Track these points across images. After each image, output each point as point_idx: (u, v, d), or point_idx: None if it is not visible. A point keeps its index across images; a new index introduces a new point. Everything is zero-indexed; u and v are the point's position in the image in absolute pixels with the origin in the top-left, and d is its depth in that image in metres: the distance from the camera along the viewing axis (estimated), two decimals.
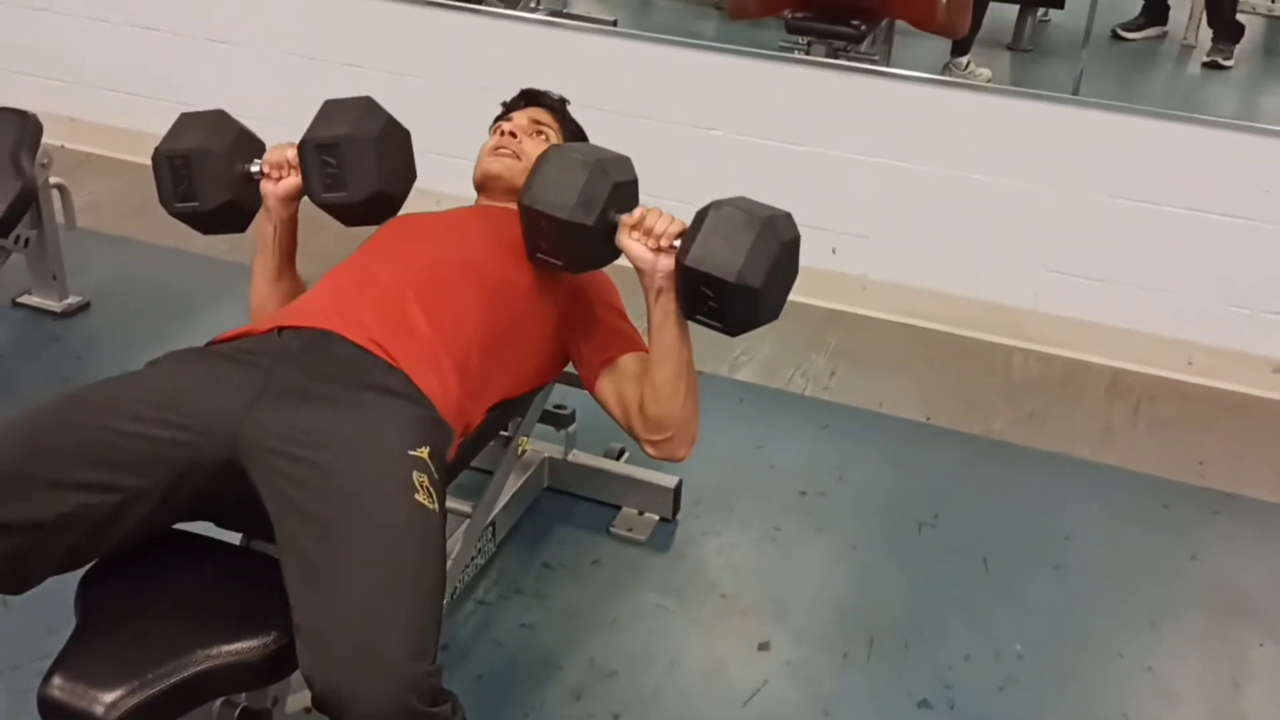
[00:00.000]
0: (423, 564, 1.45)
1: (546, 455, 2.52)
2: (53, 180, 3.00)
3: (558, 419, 2.46)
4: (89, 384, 1.65)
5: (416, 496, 1.49)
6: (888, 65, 4.16)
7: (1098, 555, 2.50)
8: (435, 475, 1.55)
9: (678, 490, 2.50)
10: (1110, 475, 2.78)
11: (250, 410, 1.57)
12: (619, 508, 2.51)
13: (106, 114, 4.06)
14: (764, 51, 3.53)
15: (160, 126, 4.15)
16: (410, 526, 1.47)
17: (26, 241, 2.97)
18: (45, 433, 1.52)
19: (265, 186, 2.05)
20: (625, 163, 1.91)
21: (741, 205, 1.82)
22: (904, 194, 3.35)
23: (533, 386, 2.09)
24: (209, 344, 1.79)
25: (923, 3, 4.01)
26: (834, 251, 3.43)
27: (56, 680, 1.39)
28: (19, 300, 3.12)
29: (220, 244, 3.52)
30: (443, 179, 3.29)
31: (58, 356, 2.96)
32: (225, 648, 1.47)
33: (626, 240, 1.86)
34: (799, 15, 3.94)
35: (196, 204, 2.05)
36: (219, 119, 2.09)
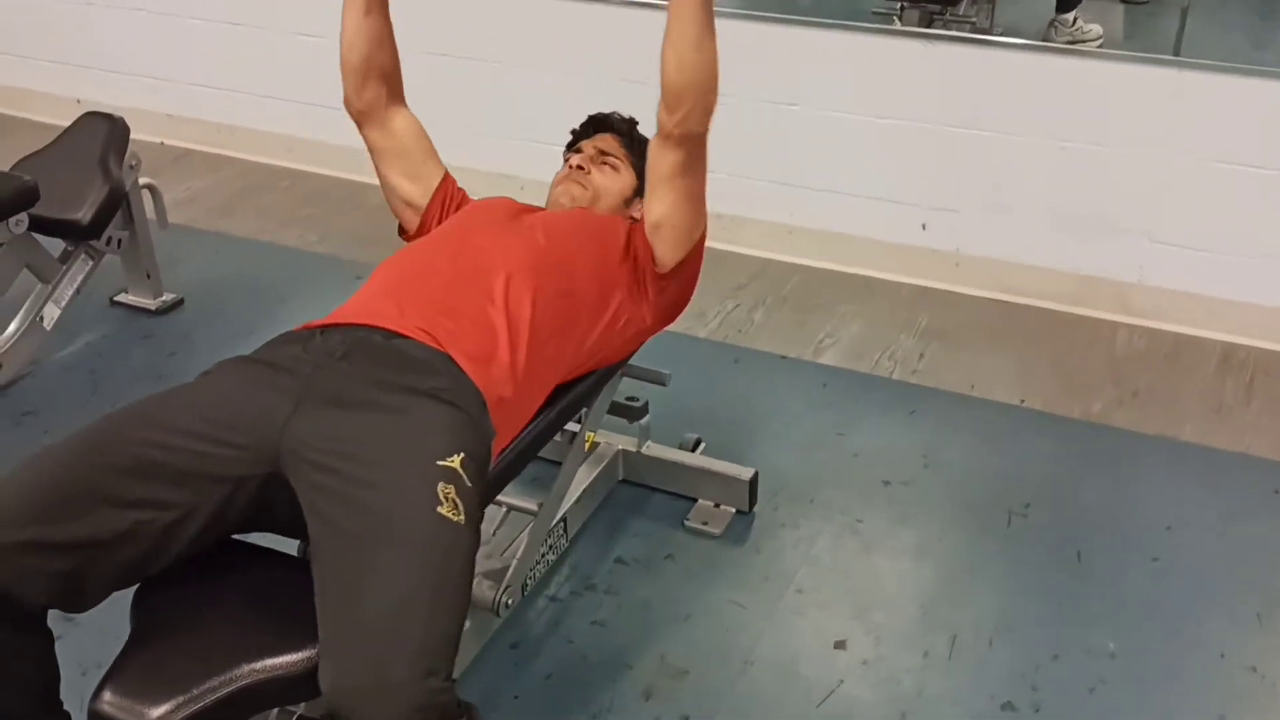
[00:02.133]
0: (441, 580, 1.43)
1: (620, 448, 2.49)
2: (142, 181, 3.06)
3: (630, 411, 2.42)
4: (140, 400, 1.66)
5: (440, 509, 1.47)
6: (991, 24, 4.02)
7: (1201, 546, 2.37)
8: (467, 483, 1.53)
9: (754, 481, 2.44)
10: (1218, 459, 2.64)
11: (290, 421, 1.57)
12: (694, 500, 2.47)
13: (200, 109, 4.15)
14: (851, 23, 3.42)
15: (252, 120, 4.26)
16: (432, 541, 1.45)
17: (119, 242, 3.05)
18: (97, 451, 1.53)
19: None
20: None
21: None
22: (998, 165, 3.22)
23: (596, 368, 2.06)
24: (301, 328, 1.80)
25: None
26: (924, 227, 3.32)
27: (106, 695, 1.41)
28: (116, 299, 3.21)
29: (309, 235, 3.63)
30: (527, 163, 3.29)
31: (152, 353, 3.04)
32: (274, 660, 1.47)
33: None
34: None
35: None
36: None
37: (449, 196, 2.17)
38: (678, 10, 1.85)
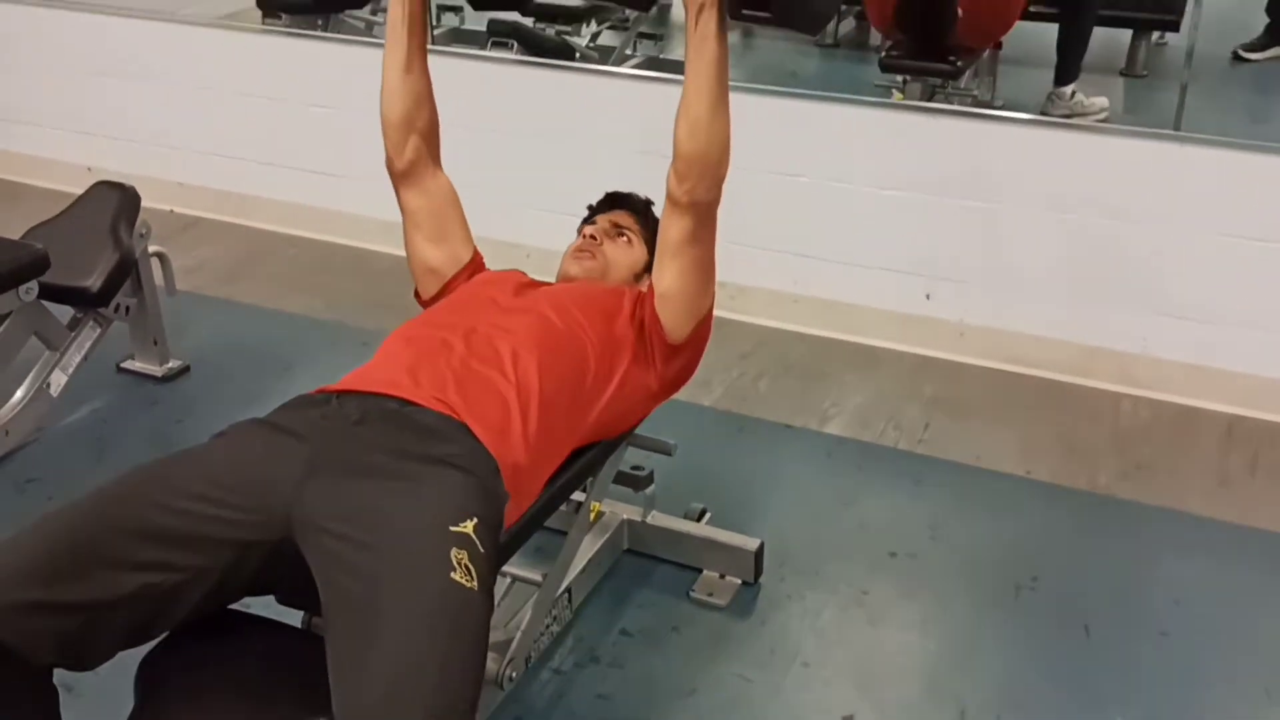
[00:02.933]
0: (454, 647, 1.42)
1: (625, 517, 2.48)
2: (152, 249, 3.09)
3: (635, 481, 2.42)
4: (151, 461, 1.66)
5: (453, 575, 1.46)
6: (992, 97, 4.07)
7: (1209, 620, 2.35)
8: (480, 549, 1.53)
9: (760, 552, 2.43)
10: (1225, 532, 2.62)
11: (301, 487, 1.57)
12: (700, 570, 2.46)
13: (210, 178, 4.20)
14: (855, 97, 3.47)
15: (260, 189, 4.30)
16: (445, 608, 1.45)
17: (128, 309, 3.06)
18: (106, 513, 1.54)
19: None
20: None
21: None
22: (1001, 236, 3.24)
23: (605, 436, 2.07)
24: (315, 392, 1.81)
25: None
26: (928, 297, 3.34)
27: None
28: (122, 365, 3.22)
29: (315, 302, 3.64)
30: (534, 233, 3.33)
31: (158, 420, 3.04)
32: None
33: None
34: (893, 52, 3.87)
35: None
36: None
37: (475, 274, 2.20)
38: (693, 81, 1.87)
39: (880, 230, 3.37)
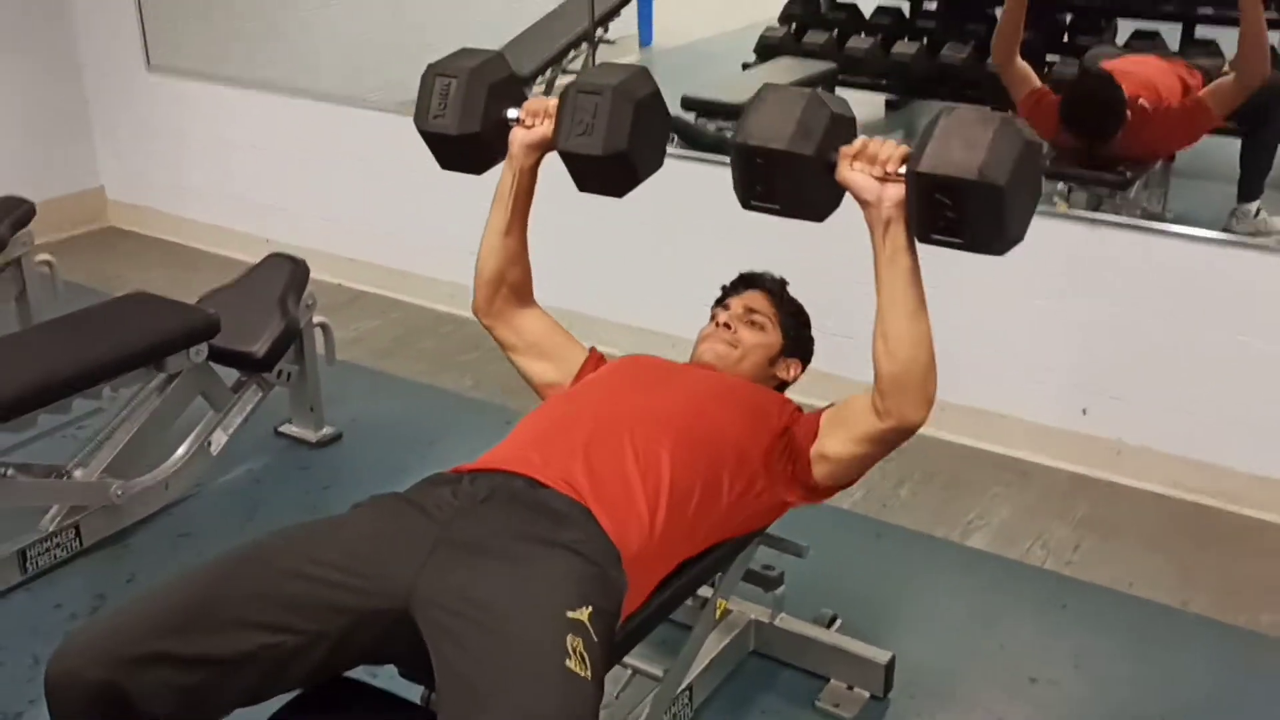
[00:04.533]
0: None
1: (753, 618, 2.43)
2: (316, 319, 3.22)
3: (765, 580, 2.37)
4: (287, 527, 1.72)
5: (568, 663, 1.45)
6: (1163, 209, 3.94)
7: None
8: (594, 638, 1.52)
9: (891, 666, 2.35)
10: None
11: (425, 564, 1.60)
12: (827, 680, 2.38)
13: (376, 254, 4.37)
14: None
15: (422, 267, 4.43)
16: (558, 696, 1.44)
17: (289, 376, 3.19)
18: (235, 574, 1.59)
19: (516, 133, 2.10)
20: (843, 100, 1.82)
21: (974, 107, 1.68)
22: (1167, 355, 3.10)
23: (732, 535, 2.03)
24: (450, 471, 1.84)
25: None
26: (1084, 412, 3.21)
27: None
28: (279, 429, 3.34)
29: (465, 380, 3.73)
30: (681, 323, 3.33)
31: (307, 485, 3.14)
32: None
33: (848, 173, 1.77)
34: (1058, 159, 3.79)
35: (446, 126, 2.08)
36: (496, 59, 2.12)
37: (599, 366, 2.20)
38: (886, 296, 1.79)
39: (1036, 339, 3.28)
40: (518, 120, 2.11)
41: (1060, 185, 3.76)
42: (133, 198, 5.02)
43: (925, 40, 4.73)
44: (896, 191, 1.74)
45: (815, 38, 4.94)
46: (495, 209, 2.17)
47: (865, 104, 5.21)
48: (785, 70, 4.95)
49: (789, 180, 1.78)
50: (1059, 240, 3.23)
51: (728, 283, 2.35)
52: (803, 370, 2.26)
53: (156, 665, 1.48)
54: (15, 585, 2.64)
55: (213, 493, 3.06)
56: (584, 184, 2.03)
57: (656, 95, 2.01)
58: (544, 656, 1.46)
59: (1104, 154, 3.68)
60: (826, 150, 1.77)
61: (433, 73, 2.11)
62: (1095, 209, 3.59)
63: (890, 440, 1.90)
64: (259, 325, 3.01)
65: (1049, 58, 4.29)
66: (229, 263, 4.27)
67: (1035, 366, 3.28)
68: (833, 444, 1.95)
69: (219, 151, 4.71)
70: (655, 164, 2.05)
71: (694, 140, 4.24)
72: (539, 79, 4.91)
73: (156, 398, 2.85)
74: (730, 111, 4.60)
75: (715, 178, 3.70)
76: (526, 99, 2.13)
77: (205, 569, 1.60)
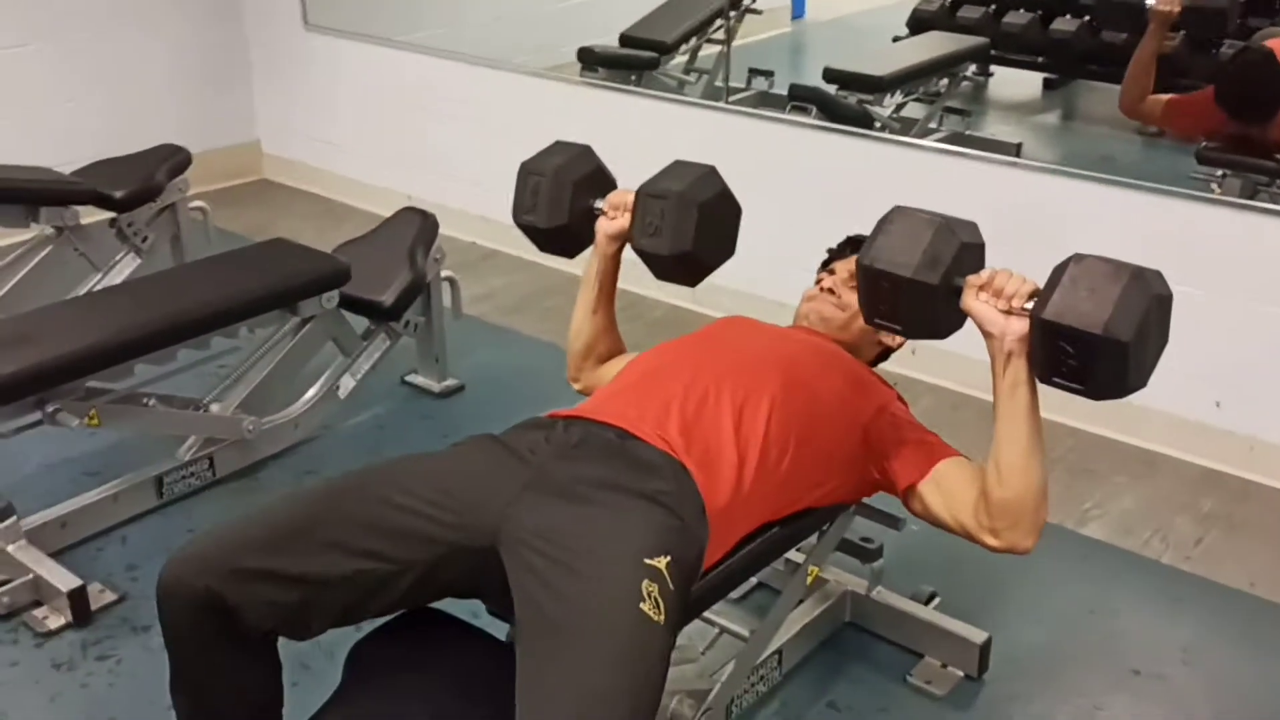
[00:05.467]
0: (635, 676, 1.45)
1: (850, 589, 2.43)
2: (444, 273, 3.31)
3: (863, 553, 2.36)
4: (387, 460, 1.80)
5: (642, 605, 1.49)
6: None
7: None
8: (670, 586, 1.55)
9: (987, 646, 2.31)
10: None
11: (514, 503, 1.65)
12: (921, 656, 2.37)
13: (510, 215, 4.44)
14: (1165, 187, 3.27)
15: None
16: (632, 636, 1.48)
17: (416, 326, 3.29)
18: (339, 502, 1.68)
19: (600, 223, 2.21)
20: (972, 226, 1.82)
21: (1105, 259, 1.68)
22: None
23: (820, 504, 2.02)
24: (548, 415, 1.91)
25: None
26: (1218, 405, 3.09)
27: None
28: (405, 378, 3.46)
29: None
30: (797, 292, 3.31)
31: (428, 432, 3.24)
32: None
33: (974, 302, 1.76)
34: (1212, 145, 3.64)
35: (536, 220, 2.24)
36: (583, 154, 2.28)
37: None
38: (1005, 427, 1.77)
39: (1174, 329, 3.14)
40: (601, 211, 2.22)
41: (1216, 172, 3.61)
42: (286, 152, 5.22)
43: (1087, 17, 4.55)
44: (1020, 326, 1.72)
45: (970, 12, 4.82)
46: (583, 291, 2.28)
47: (1021, 83, 5.08)
48: (934, 44, 4.84)
49: (912, 305, 1.79)
50: (1204, 227, 3.12)
51: (833, 245, 2.34)
52: (906, 338, 2.24)
53: (258, 580, 1.57)
54: (151, 509, 2.81)
55: (339, 435, 3.19)
56: (659, 275, 2.17)
57: (724, 194, 2.12)
58: (619, 597, 1.50)
59: (1262, 139, 3.52)
60: (952, 278, 1.77)
61: (524, 171, 2.28)
62: (1250, 198, 3.44)
63: (985, 547, 1.87)
64: (388, 276, 3.12)
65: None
66: (372, 217, 4.39)
67: (1170, 356, 3.14)
68: (929, 501, 1.92)
69: (368, 109, 4.86)
70: (726, 254, 2.17)
71: (834, 112, 4.20)
72: (681, 48, 4.94)
73: (290, 340, 2.98)
74: (871, 84, 4.53)
75: (852, 150, 3.70)
76: (613, 188, 2.24)
77: (308, 493, 1.70)
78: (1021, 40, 4.71)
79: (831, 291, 2.21)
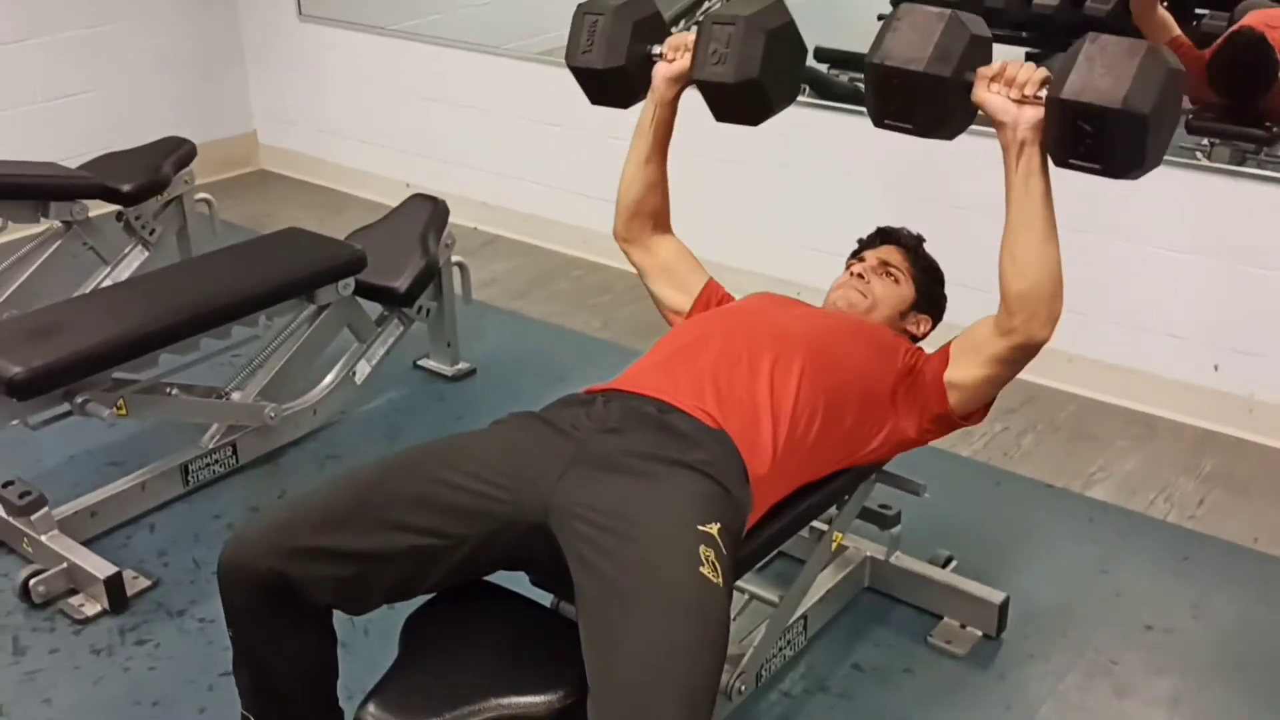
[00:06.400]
0: (703, 636, 1.51)
1: (869, 554, 2.50)
2: (454, 258, 3.36)
3: (882, 519, 2.43)
4: (438, 439, 1.86)
5: (702, 569, 1.55)
6: None
7: None
8: (723, 551, 1.61)
9: (1005, 606, 2.39)
10: None
11: (562, 478, 1.71)
12: (940, 617, 2.44)
13: (512, 200, 4.50)
14: None
15: (556, 213, 4.55)
16: (696, 598, 1.54)
17: (428, 312, 3.34)
18: (392, 481, 1.74)
19: (658, 67, 2.20)
20: (979, 20, 1.84)
21: (1116, 37, 1.68)
22: None
23: (853, 463, 2.09)
24: (586, 391, 1.96)
25: None
26: (1216, 368, 3.17)
27: (371, 707, 1.57)
28: (418, 363, 3.51)
29: (594, 321, 3.84)
30: (806, 271, 3.38)
31: (441, 415, 3.29)
32: (518, 699, 1.59)
33: (985, 94, 1.79)
34: (1202, 113, 3.70)
35: (593, 60, 2.19)
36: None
37: (711, 296, 2.29)
38: (1018, 218, 1.81)
39: (1169, 294, 3.23)
40: (660, 55, 2.20)
41: (1204, 141, 3.68)
42: (283, 142, 5.25)
43: None
44: (1034, 114, 1.76)
45: None
46: (636, 139, 2.26)
47: (1004, 57, 5.12)
48: None
49: (925, 101, 1.80)
50: (1198, 193, 3.19)
51: (864, 236, 2.41)
52: (933, 327, 2.30)
53: (318, 558, 1.63)
54: (178, 496, 2.86)
55: (356, 419, 3.24)
56: (720, 114, 2.11)
57: (790, 26, 2.06)
58: (680, 562, 1.56)
59: (1250, 110, 3.59)
60: (964, 71, 1.79)
61: (581, 11, 2.23)
62: (1239, 165, 3.51)
63: (1017, 359, 1.93)
64: (401, 262, 3.16)
65: (1198, 10, 4.17)
66: (371, 205, 4.46)
67: (1167, 320, 3.25)
68: (963, 370, 2.00)
69: (363, 98, 4.89)
70: (790, 95, 2.12)
71: (826, 91, 4.25)
72: (675, 26, 4.98)
73: (307, 328, 3.02)
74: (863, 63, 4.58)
75: (848, 128, 3.75)
76: (669, 35, 2.22)
77: (363, 472, 1.75)
78: (1004, 15, 4.74)
79: (861, 277, 2.26)
